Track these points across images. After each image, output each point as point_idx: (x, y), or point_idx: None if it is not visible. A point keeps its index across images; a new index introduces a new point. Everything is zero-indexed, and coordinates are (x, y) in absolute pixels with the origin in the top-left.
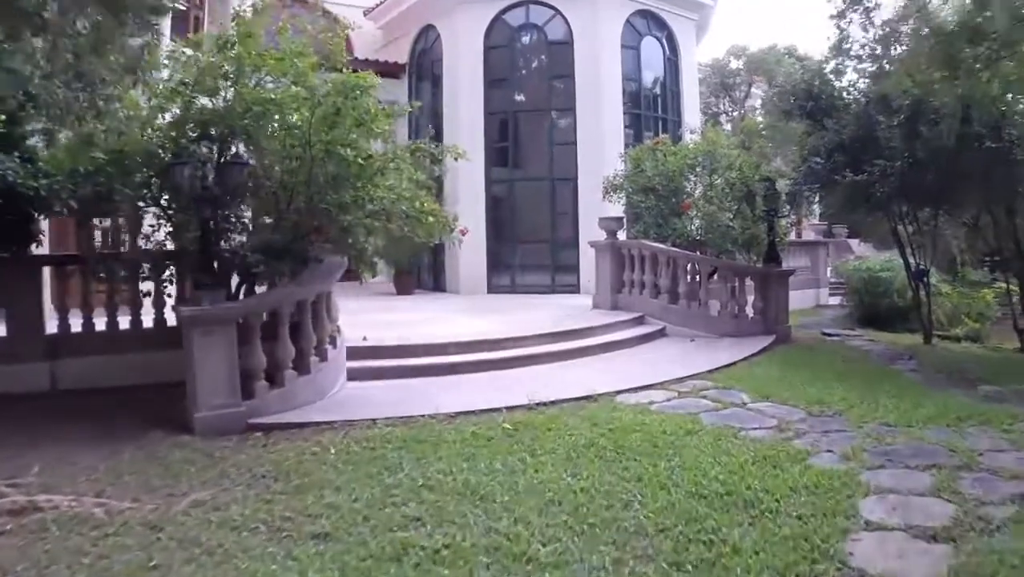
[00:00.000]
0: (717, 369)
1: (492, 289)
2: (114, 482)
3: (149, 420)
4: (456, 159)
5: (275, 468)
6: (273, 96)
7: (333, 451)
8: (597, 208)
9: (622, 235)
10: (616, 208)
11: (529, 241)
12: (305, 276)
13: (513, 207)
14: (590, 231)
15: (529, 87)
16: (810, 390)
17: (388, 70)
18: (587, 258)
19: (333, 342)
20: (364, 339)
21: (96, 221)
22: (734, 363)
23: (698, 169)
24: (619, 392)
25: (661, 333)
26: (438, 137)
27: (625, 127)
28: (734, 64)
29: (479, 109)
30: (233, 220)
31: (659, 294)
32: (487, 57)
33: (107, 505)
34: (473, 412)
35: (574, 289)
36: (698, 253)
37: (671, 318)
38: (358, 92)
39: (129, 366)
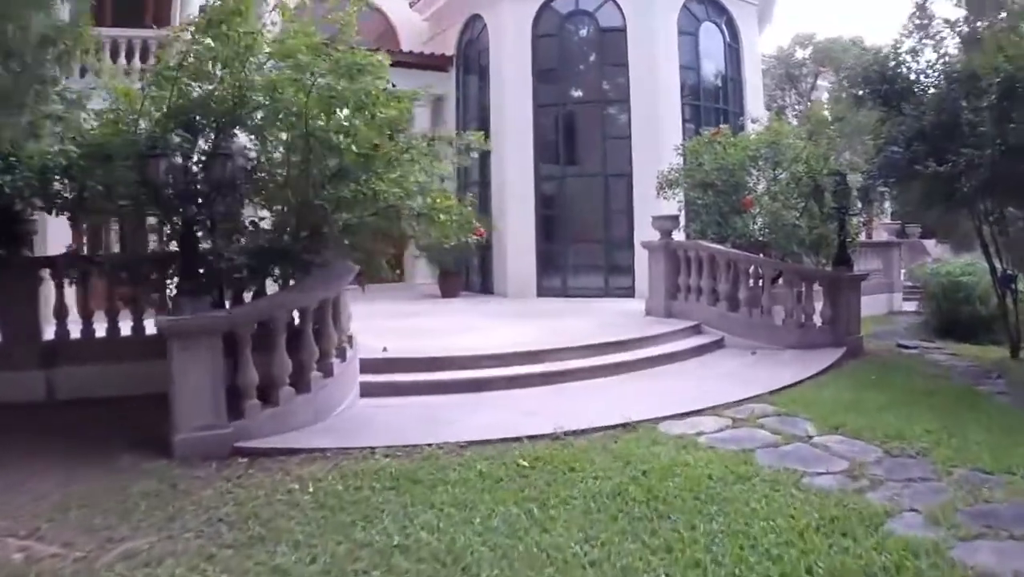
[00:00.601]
0: (779, 390)
1: (542, 292)
2: (56, 518)
3: (131, 439)
4: (477, 151)
5: (237, 510)
6: (260, 79)
7: (311, 489)
8: (653, 206)
9: (678, 235)
10: (671, 206)
11: (581, 241)
12: (308, 282)
13: (564, 205)
14: (645, 230)
15: (580, 78)
16: (887, 419)
17: (434, 63)
18: (642, 260)
19: (342, 355)
20: (384, 350)
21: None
22: (799, 382)
23: (761, 162)
24: (663, 418)
25: (718, 345)
26: (485, 132)
27: (684, 120)
28: (800, 54)
29: (527, 102)
30: (223, 219)
31: (717, 301)
32: (535, 47)
33: (30, 550)
34: (489, 442)
35: (628, 293)
36: (760, 255)
37: (730, 327)
38: (356, 71)
39: (128, 375)
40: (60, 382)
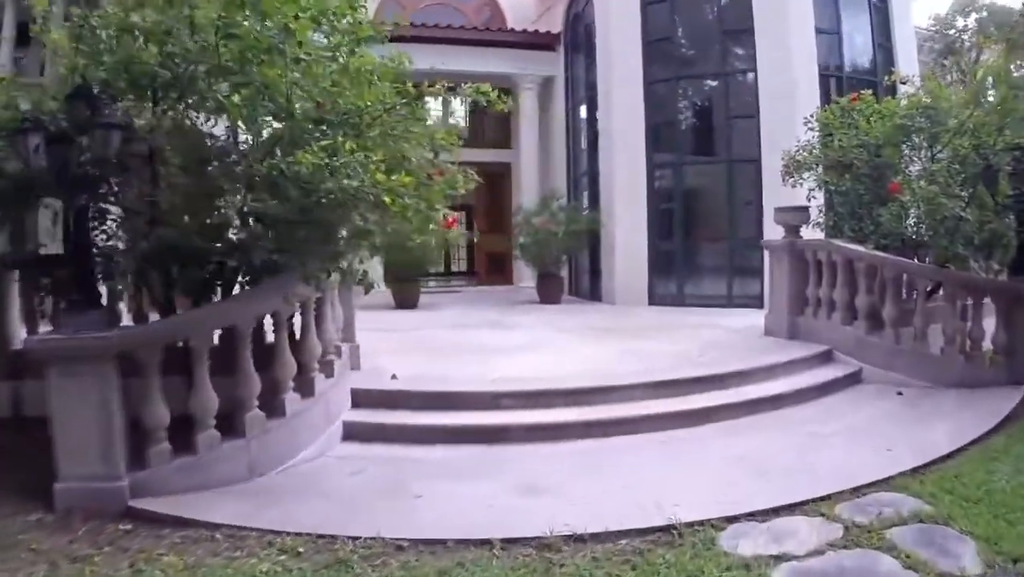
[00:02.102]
0: (929, 466)
1: (655, 300)
2: None
3: (25, 479)
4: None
5: None
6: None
7: None
8: (787, 197)
9: (810, 233)
10: (802, 194)
11: (701, 240)
12: (247, 293)
13: (682, 198)
14: (777, 226)
15: (698, 48)
16: None
17: (543, 42)
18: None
19: (307, 387)
20: (394, 377)
21: None
22: (960, 450)
23: (914, 136)
24: (732, 519)
25: (853, 380)
26: (592, 113)
27: (823, 93)
28: (961, 23)
29: (637, 78)
30: (119, 209)
31: (854, 319)
32: (645, 15)
33: None
34: (442, 543)
35: (756, 303)
36: (914, 260)
37: (870, 355)
38: None
39: None
40: (29, 396)
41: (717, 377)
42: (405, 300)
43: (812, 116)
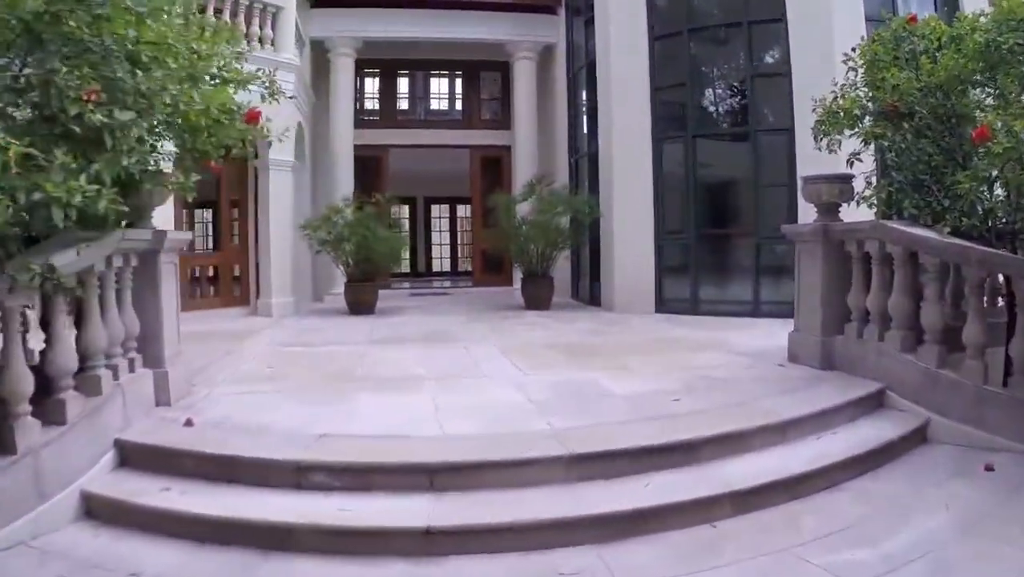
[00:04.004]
0: None
1: (664, 307)
2: None
3: None
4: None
5: None
6: None
7: None
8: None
9: (854, 214)
10: (844, 161)
11: (720, 234)
12: None
13: (695, 181)
14: (813, 211)
15: None
16: None
17: (541, 4)
18: None
19: None
20: (188, 424)
21: None
22: None
23: (1004, 69)
24: None
25: (916, 439)
26: (592, 85)
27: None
28: None
29: (640, 30)
30: None
31: (919, 342)
32: None
33: None
34: None
35: (789, 311)
36: (1007, 252)
37: (943, 400)
38: None
39: None
40: None
41: (682, 445)
42: (359, 305)
43: (854, 50)
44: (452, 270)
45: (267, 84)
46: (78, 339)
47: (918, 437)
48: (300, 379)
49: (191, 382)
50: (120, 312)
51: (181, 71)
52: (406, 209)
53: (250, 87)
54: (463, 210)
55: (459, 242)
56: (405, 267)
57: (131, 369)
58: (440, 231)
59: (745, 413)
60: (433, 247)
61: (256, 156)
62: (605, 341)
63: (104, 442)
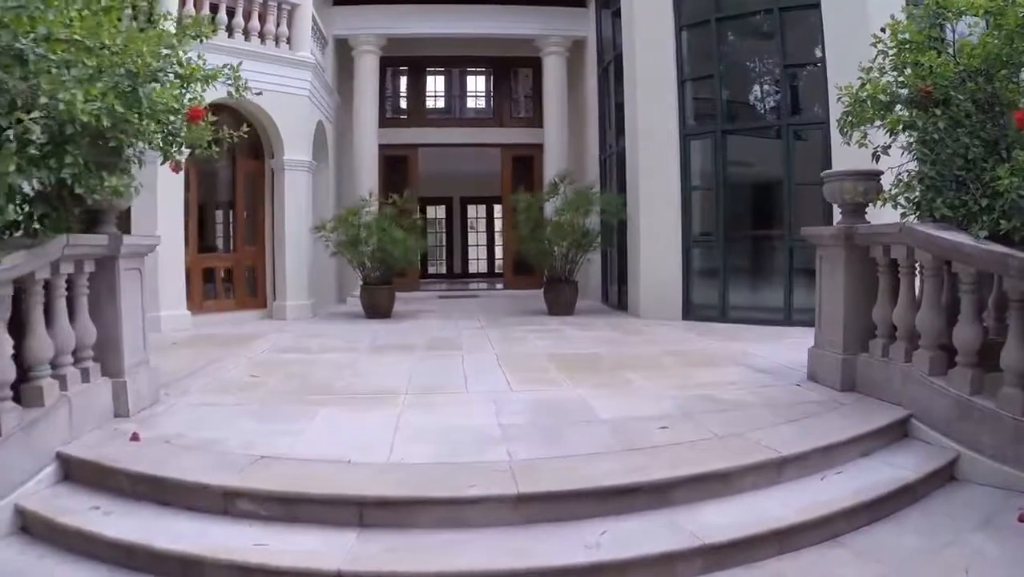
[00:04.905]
0: None
1: (691, 313)
2: None
3: None
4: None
5: None
6: None
7: None
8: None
9: (885, 215)
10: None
11: (751, 235)
12: None
13: (725, 179)
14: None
15: None
16: None
17: None
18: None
19: None
20: (134, 438)
21: None
22: None
23: None
24: None
25: (942, 477)
26: (620, 80)
27: None
28: None
29: (666, 18)
30: None
31: (950, 364)
32: None
33: None
34: None
35: None
36: None
37: (975, 432)
38: None
39: None
40: None
41: (652, 487)
42: (375, 309)
43: (883, 30)
44: (488, 272)
45: (231, 80)
46: (20, 348)
47: (944, 475)
48: (272, 390)
49: (165, 391)
50: (73, 320)
51: (100, 68)
52: (442, 209)
53: (215, 84)
54: (499, 210)
55: (495, 243)
56: (441, 268)
57: (85, 379)
58: (477, 231)
59: (737, 446)
60: (469, 248)
61: (272, 156)
62: (615, 352)
63: (45, 455)
